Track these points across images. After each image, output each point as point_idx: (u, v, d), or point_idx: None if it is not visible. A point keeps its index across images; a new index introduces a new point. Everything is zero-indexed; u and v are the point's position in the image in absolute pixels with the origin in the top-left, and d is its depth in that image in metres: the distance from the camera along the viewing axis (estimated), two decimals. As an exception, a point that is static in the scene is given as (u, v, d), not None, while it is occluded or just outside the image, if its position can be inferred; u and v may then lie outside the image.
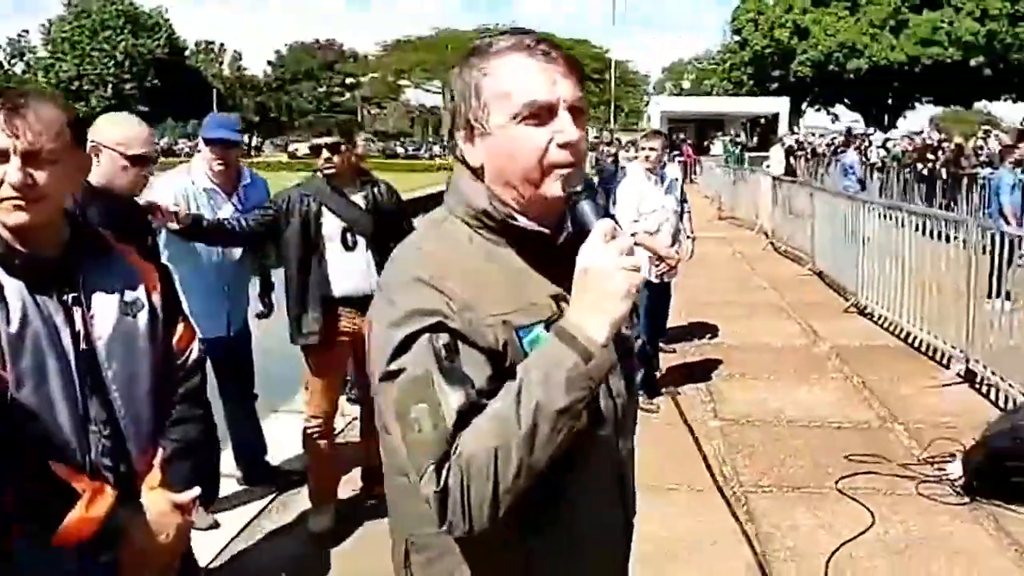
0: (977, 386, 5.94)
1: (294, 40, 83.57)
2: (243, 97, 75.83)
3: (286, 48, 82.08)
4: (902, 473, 4.54)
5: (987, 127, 22.57)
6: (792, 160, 20.13)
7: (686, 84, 64.48)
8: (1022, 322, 5.79)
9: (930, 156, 14.75)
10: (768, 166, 17.88)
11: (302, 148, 51.18)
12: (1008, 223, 8.16)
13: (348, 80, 75.07)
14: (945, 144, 15.61)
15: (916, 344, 7.05)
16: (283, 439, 4.65)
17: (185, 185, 3.86)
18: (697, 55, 63.82)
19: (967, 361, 6.06)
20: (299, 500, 4.18)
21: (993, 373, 5.71)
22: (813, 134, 28.26)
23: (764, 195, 14.65)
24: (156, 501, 1.61)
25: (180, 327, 1.80)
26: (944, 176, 13.53)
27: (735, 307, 8.80)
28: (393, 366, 1.15)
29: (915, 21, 35.69)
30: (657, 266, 5.62)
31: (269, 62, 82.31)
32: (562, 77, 1.22)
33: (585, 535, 1.30)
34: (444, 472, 1.11)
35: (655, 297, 5.80)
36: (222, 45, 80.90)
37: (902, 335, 7.35)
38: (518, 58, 1.22)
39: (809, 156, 21.70)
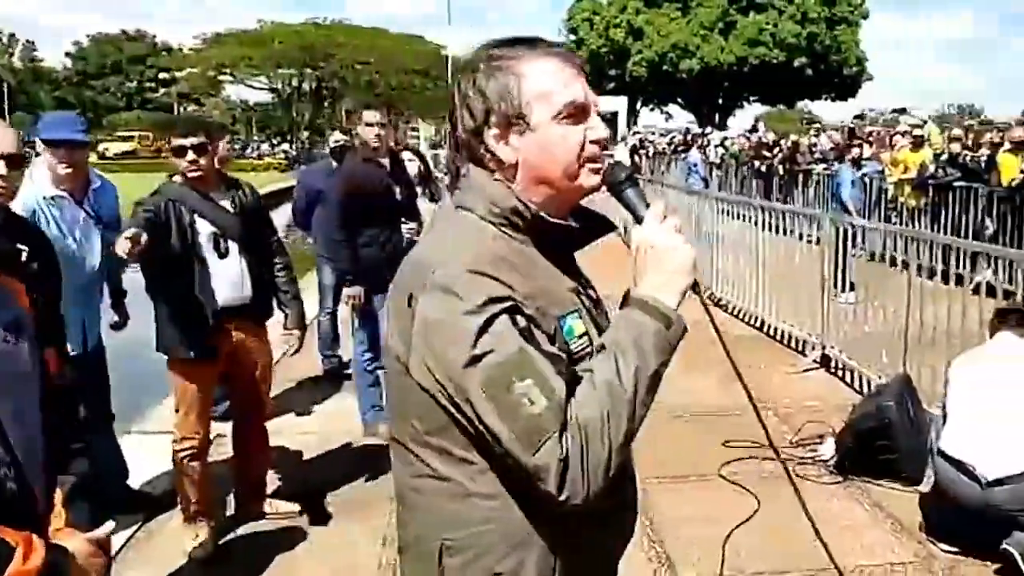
0: (833, 371, 6.42)
1: (97, 31, 78.49)
2: (39, 91, 70.31)
3: (88, 39, 76.95)
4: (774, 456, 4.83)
5: (818, 125, 24.50)
6: (636, 158, 20.97)
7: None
8: (875, 310, 6.31)
9: (766, 153, 15.85)
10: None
11: (113, 147, 48.15)
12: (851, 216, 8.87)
13: (162, 75, 71.10)
14: (781, 142, 16.78)
15: (771, 333, 7.51)
16: (142, 461, 4.38)
17: (30, 195, 3.42)
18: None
19: (823, 348, 6.54)
20: (169, 527, 3.93)
21: (849, 358, 6.19)
22: (653, 132, 29.59)
23: (613, 193, 15.15)
24: (78, 544, 1.49)
25: (52, 350, 1.70)
26: (781, 172, 14.54)
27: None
28: (478, 349, 1.18)
29: (742, 23, 38.23)
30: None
31: (68, 54, 76.89)
32: (586, 80, 1.36)
33: (608, 514, 1.37)
34: (565, 440, 1.16)
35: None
36: (12, 35, 74.81)
37: (757, 324, 7.81)
38: (553, 62, 1.34)
39: (651, 154, 22.69)
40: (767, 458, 4.79)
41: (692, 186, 12.99)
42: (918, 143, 11.02)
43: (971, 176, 9.41)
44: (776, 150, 15.83)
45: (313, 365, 6.26)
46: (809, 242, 7.52)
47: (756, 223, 8.12)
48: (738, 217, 8.73)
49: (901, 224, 10.18)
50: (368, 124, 4.71)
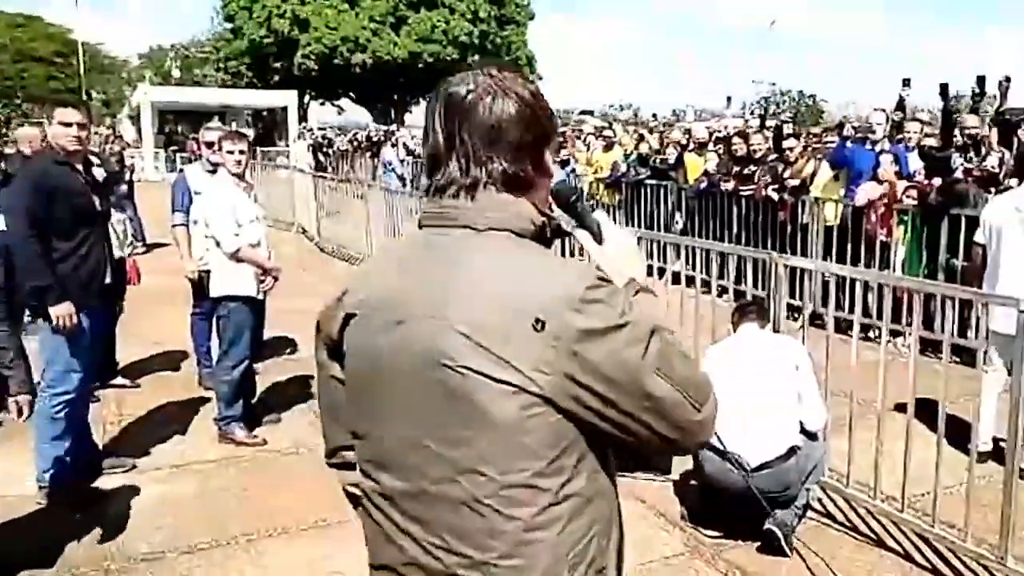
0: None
1: None
2: None
3: None
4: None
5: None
6: (320, 157, 20.56)
7: (176, 72, 61.71)
8: None
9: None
10: (296, 162, 17.99)
11: None
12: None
13: None
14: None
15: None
16: None
17: None
18: (181, 41, 61.58)
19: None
20: None
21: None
22: (333, 129, 29.20)
23: (301, 193, 14.70)
24: None
25: None
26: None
27: (302, 315, 8.59)
28: (645, 340, 1.31)
29: (414, 19, 39.07)
30: (263, 281, 5.35)
31: None
32: None
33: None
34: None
35: (257, 316, 5.49)
36: None
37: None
38: None
39: (335, 152, 22.38)
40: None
41: (388, 185, 12.97)
42: (609, 145, 11.99)
43: (660, 175, 10.43)
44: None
45: None
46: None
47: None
48: None
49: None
50: (63, 123, 4.34)
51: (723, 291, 6.36)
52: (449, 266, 1.35)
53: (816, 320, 5.60)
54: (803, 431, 4.03)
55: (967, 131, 7.52)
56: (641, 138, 12.13)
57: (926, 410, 4.26)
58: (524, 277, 1.32)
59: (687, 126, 12.48)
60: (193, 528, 4.30)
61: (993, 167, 6.79)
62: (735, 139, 9.78)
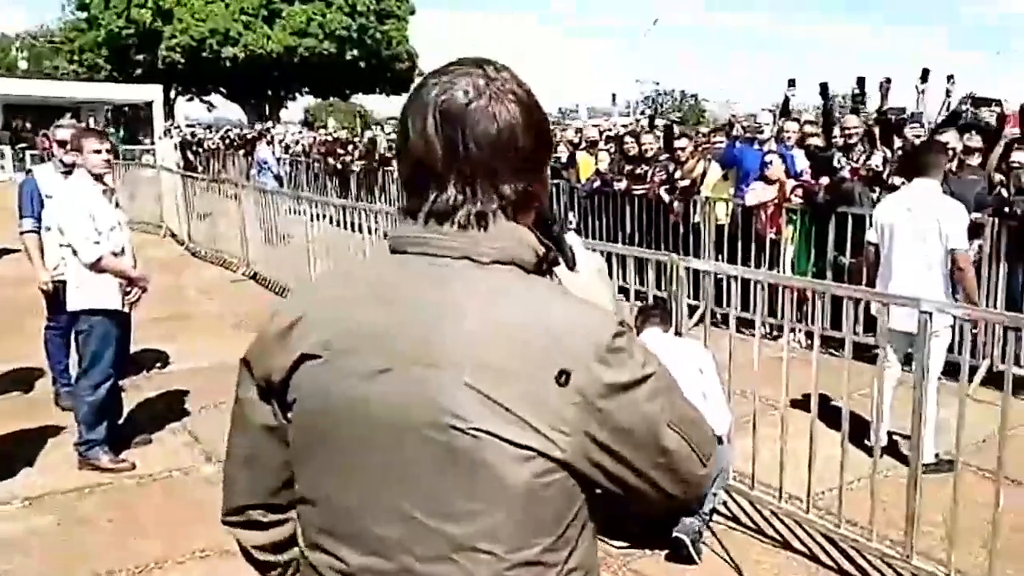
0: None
1: None
2: None
3: None
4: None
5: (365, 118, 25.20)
6: (189, 156, 19.75)
7: (23, 64, 58.50)
8: None
9: (340, 151, 15.94)
10: (163, 160, 17.21)
11: None
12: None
13: None
14: (356, 139, 17.02)
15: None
16: None
17: None
18: (28, 30, 58.39)
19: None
20: None
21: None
22: (203, 126, 28.17)
23: (169, 194, 14.06)
24: None
25: None
26: (357, 169, 14.73)
27: (175, 324, 8.24)
28: (664, 393, 1.19)
29: (289, 12, 38.09)
30: (128, 293, 5.00)
31: None
32: None
33: None
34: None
35: (122, 329, 5.12)
36: None
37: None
38: None
39: (205, 150, 21.54)
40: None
41: (264, 185, 12.53)
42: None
43: (551, 174, 10.34)
44: (351, 147, 16.04)
45: None
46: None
47: (353, 226, 8.12)
48: (319, 218, 8.64)
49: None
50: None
51: (623, 292, 6.37)
52: (448, 304, 1.15)
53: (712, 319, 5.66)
54: (709, 436, 4.01)
55: (847, 131, 7.79)
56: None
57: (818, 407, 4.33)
58: (542, 321, 1.14)
59: (579, 124, 12.55)
60: (48, 570, 3.94)
61: (877, 166, 7.05)
62: (626, 138, 9.86)
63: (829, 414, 4.44)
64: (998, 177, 6.56)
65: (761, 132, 8.50)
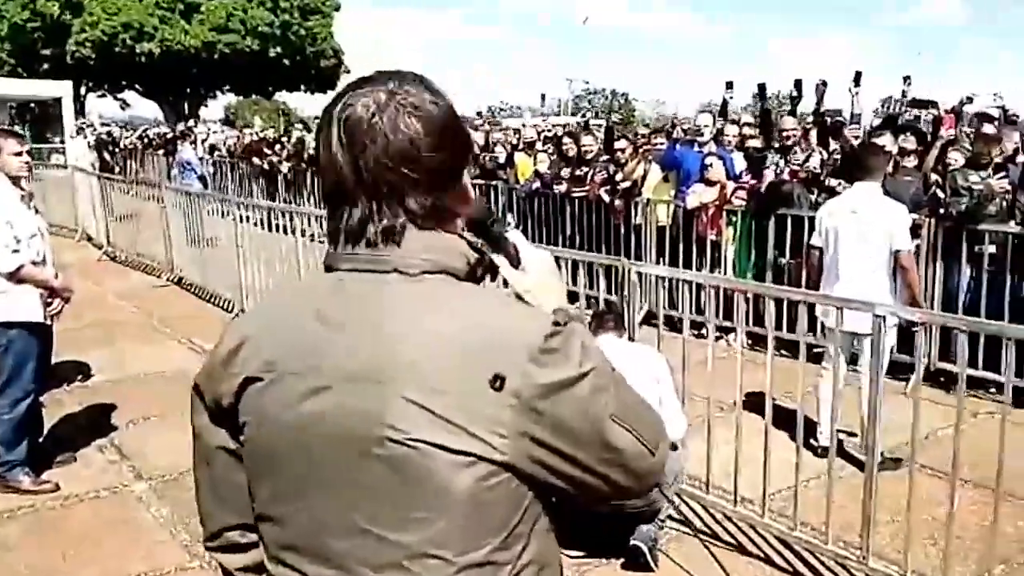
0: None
1: None
2: None
3: None
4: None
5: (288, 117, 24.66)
6: (106, 156, 19.11)
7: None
8: None
9: (267, 151, 15.59)
10: (77, 160, 16.63)
11: None
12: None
13: None
14: (283, 139, 16.67)
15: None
16: None
17: None
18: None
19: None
20: None
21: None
22: (118, 124, 27.31)
23: (85, 196, 13.58)
24: None
25: None
26: (285, 170, 14.43)
27: (95, 332, 7.95)
28: (609, 390, 1.21)
29: (208, 7, 37.11)
30: (50, 304, 4.78)
31: None
32: None
33: None
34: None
35: (43, 342, 4.88)
36: None
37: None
38: None
39: (122, 149, 20.84)
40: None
41: (189, 187, 12.20)
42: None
43: (488, 175, 10.36)
44: (279, 147, 15.70)
45: None
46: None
47: (283, 228, 7.95)
48: (246, 220, 8.45)
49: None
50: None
51: (572, 297, 6.37)
52: (382, 319, 1.18)
53: (652, 320, 5.68)
54: (663, 442, 4.01)
55: (785, 132, 7.93)
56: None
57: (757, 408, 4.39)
58: (474, 328, 1.18)
59: (514, 124, 12.54)
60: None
61: (815, 168, 7.19)
62: (565, 139, 9.86)
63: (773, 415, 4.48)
64: (934, 177, 6.75)
65: (701, 134, 8.60)
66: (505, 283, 1.43)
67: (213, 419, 1.31)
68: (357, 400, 1.15)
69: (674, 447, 4.07)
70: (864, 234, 5.05)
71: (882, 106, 8.22)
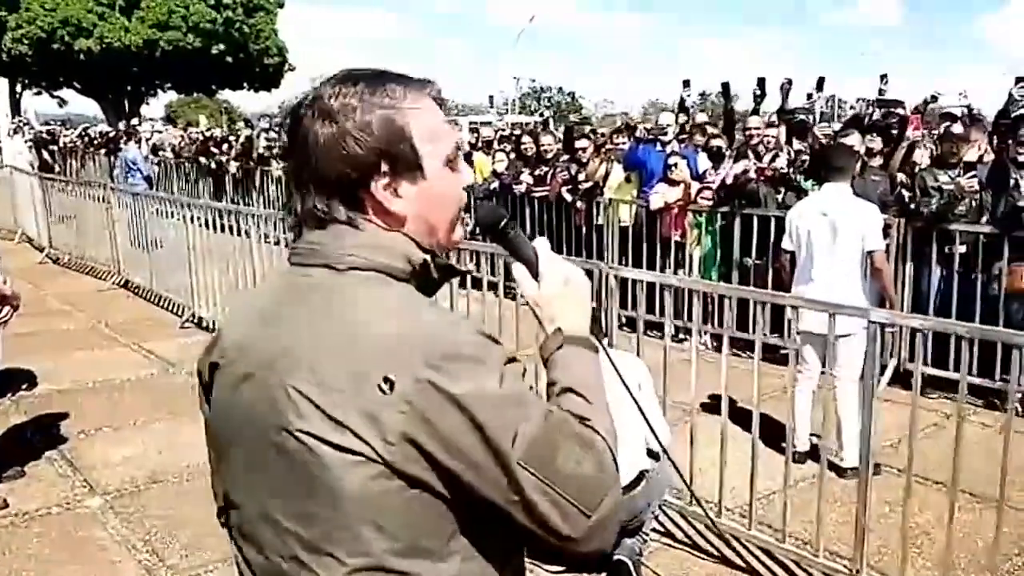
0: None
1: None
2: None
3: None
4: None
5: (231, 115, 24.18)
6: (46, 155, 18.50)
7: None
8: None
9: (214, 149, 15.19)
10: (14, 160, 16.09)
11: None
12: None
13: None
14: (231, 138, 16.28)
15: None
16: None
17: None
18: None
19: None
20: None
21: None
22: (58, 122, 26.53)
23: (24, 197, 13.12)
24: None
25: None
26: (234, 169, 14.07)
27: (40, 339, 7.61)
28: (519, 419, 1.14)
29: (148, 3, 36.21)
30: (-1, 313, 4.53)
31: None
32: None
33: None
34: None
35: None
36: None
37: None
38: (430, 101, 1.30)
39: (62, 148, 20.19)
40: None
41: (134, 187, 11.81)
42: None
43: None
44: (226, 146, 15.31)
45: None
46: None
47: (232, 229, 7.73)
48: (194, 220, 8.20)
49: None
50: None
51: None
52: (298, 311, 1.23)
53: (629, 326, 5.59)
54: (650, 453, 3.90)
55: (749, 131, 7.91)
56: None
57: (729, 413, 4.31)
58: (375, 326, 1.17)
59: (476, 123, 12.39)
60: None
61: (782, 167, 7.17)
62: (524, 139, 9.74)
63: (744, 420, 4.40)
64: (900, 177, 6.77)
65: (664, 134, 8.55)
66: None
67: (204, 400, 1.39)
68: (265, 389, 1.19)
69: (656, 457, 3.97)
70: (836, 235, 5.01)
71: (867, 105, 8.21)
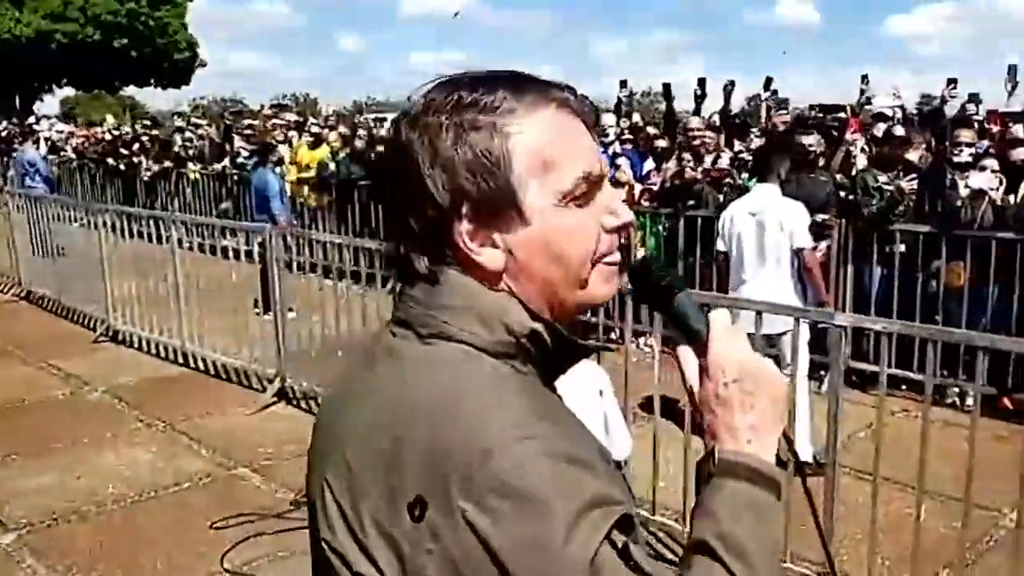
0: (296, 403, 6.12)
1: None
2: None
3: None
4: (287, 525, 4.36)
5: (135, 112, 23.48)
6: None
7: None
8: (313, 327, 6.24)
9: (124, 151, 14.60)
10: None
11: None
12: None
13: None
14: (143, 138, 15.69)
15: (207, 369, 6.92)
16: None
17: None
18: None
19: (281, 380, 6.20)
20: None
21: (316, 385, 5.95)
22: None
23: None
24: None
25: None
26: (150, 172, 13.53)
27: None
28: None
29: (43, -7, 35.14)
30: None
31: None
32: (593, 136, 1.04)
33: None
34: None
35: None
36: None
37: (182, 360, 7.11)
38: (553, 112, 0.99)
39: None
40: (280, 531, 4.30)
41: (33, 190, 11.31)
42: (317, 141, 11.39)
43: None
44: (137, 146, 14.76)
45: None
46: (227, 256, 7.09)
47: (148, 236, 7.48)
48: (103, 226, 7.87)
49: (305, 226, 10.39)
50: None
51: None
52: (361, 388, 1.04)
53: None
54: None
55: (690, 132, 7.99)
56: (354, 133, 11.59)
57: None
58: (423, 421, 0.92)
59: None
60: None
61: (725, 167, 7.26)
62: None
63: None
64: (838, 178, 6.92)
65: (606, 135, 8.57)
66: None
67: None
68: (316, 480, 1.02)
69: (619, 466, 3.93)
70: (765, 235, 5.14)
71: (863, 103, 8.34)
